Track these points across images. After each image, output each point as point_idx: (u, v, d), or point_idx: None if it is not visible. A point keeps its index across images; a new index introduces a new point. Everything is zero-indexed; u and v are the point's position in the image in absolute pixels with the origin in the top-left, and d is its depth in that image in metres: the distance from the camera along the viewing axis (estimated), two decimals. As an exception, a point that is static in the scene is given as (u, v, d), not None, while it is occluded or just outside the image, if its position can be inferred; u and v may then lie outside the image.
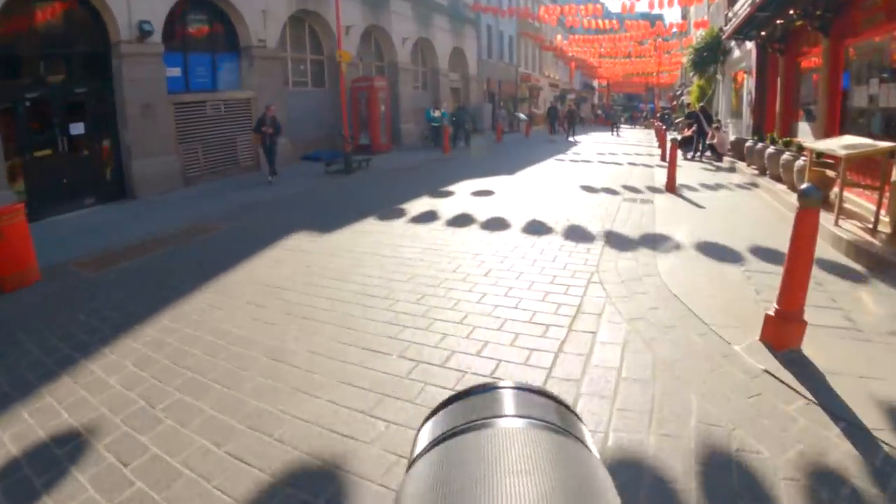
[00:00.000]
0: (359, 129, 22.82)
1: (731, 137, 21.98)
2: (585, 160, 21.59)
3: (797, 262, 4.80)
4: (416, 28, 28.59)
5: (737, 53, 24.69)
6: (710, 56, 28.34)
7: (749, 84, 21.92)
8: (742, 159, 18.85)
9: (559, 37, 49.64)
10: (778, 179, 13.80)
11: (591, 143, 32.35)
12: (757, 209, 11.57)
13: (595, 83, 79.48)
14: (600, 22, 35.34)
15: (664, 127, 29.56)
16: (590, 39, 43.06)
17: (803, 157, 11.36)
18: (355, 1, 23.11)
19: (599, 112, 67.22)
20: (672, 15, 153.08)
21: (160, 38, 14.72)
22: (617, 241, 8.60)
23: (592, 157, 23.19)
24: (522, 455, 0.50)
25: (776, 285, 5.02)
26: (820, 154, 10.55)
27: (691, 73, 34.84)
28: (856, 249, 7.97)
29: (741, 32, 18.36)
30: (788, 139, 14.02)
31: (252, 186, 14.75)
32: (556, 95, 58.25)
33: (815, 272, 6.71)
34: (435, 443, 0.55)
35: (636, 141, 35.78)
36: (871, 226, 8.89)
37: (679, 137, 21.81)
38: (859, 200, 10.08)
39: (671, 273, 6.88)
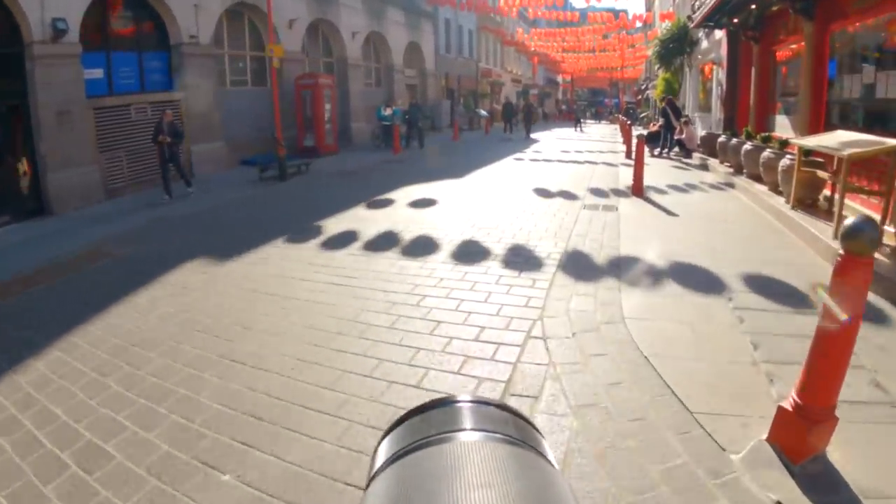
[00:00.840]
0: (303, 130, 20.95)
1: (701, 132, 20.51)
2: (545, 159, 19.98)
3: (836, 342, 3.15)
4: (368, 22, 26.77)
5: (705, 44, 23.27)
6: (676, 48, 27.05)
7: (719, 75, 20.44)
8: (713, 155, 17.41)
9: (520, 30, 48.07)
10: (756, 179, 12.31)
11: (552, 140, 30.78)
12: (737, 216, 10.07)
13: (559, 78, 78.38)
14: (562, 14, 33.85)
15: (629, 122, 28.06)
16: (552, 33, 41.82)
17: (789, 156, 9.83)
18: None
19: (563, 107, 66.36)
20: (637, 7, 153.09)
21: (77, 38, 12.86)
22: (572, 265, 6.95)
23: (553, 155, 21.61)
24: (481, 468, 0.50)
25: (777, 330, 4.42)
26: (808, 152, 9.05)
27: (657, 67, 33.54)
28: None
29: (711, 20, 16.85)
30: (767, 134, 12.53)
31: (175, 199, 12.73)
32: (519, 91, 56.76)
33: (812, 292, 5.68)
34: (392, 459, 0.55)
35: (600, 137, 34.36)
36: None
37: (645, 133, 20.43)
38: (853, 205, 8.57)
39: (640, 317, 5.20)
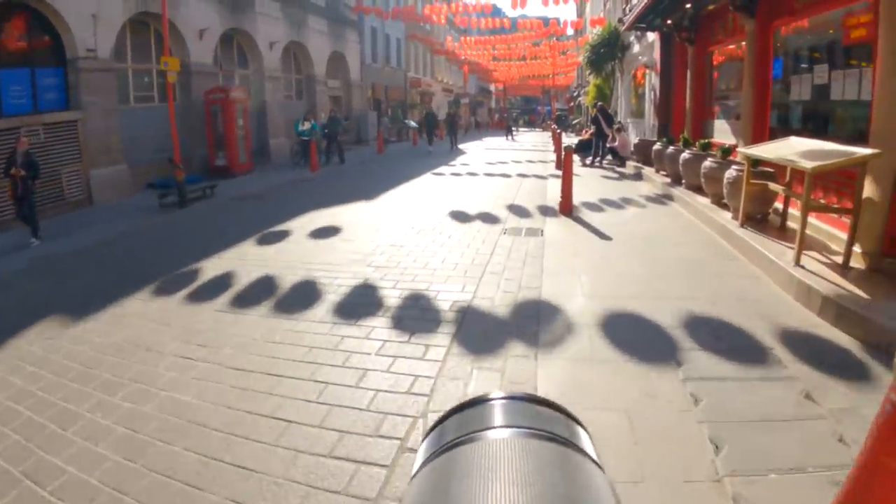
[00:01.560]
0: (215, 149, 19.12)
1: (635, 139, 19.54)
2: (470, 173, 18.61)
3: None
4: (287, 31, 25.08)
5: (637, 48, 22.42)
6: (607, 52, 26.36)
7: (652, 80, 19.52)
8: (648, 163, 16.46)
9: (450, 39, 46.99)
10: (697, 190, 11.27)
11: (481, 150, 29.49)
12: (679, 236, 8.85)
13: (492, 87, 77.64)
14: (491, 21, 32.82)
15: (559, 130, 27.08)
16: (483, 41, 40.74)
17: (735, 167, 8.70)
18: (210, 1, 19.55)
19: (496, 116, 65.92)
20: (569, 14, 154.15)
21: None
22: (479, 320, 5.54)
23: (479, 168, 20.28)
24: (509, 465, 0.51)
25: (744, 412, 3.57)
26: (756, 162, 7.92)
27: (588, 73, 32.82)
28: (837, 310, 5.25)
29: (643, 21, 15.88)
30: (707, 141, 11.51)
31: (51, 237, 10.39)
32: (450, 101, 55.73)
33: (785, 356, 4.53)
34: (428, 460, 0.57)
35: (531, 145, 33.43)
36: (838, 259, 6.50)
37: (575, 143, 19.42)
38: (814, 222, 7.48)
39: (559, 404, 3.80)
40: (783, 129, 9.80)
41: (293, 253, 8.44)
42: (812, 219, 8.22)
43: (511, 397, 0.62)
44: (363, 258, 7.91)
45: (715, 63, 13.98)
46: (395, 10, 33.89)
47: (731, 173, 8.63)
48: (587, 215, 10.37)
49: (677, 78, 16.71)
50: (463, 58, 48.49)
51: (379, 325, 5.48)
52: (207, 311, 6.12)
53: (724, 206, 9.49)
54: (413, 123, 37.80)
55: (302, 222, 10.53)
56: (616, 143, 19.15)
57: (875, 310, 5.05)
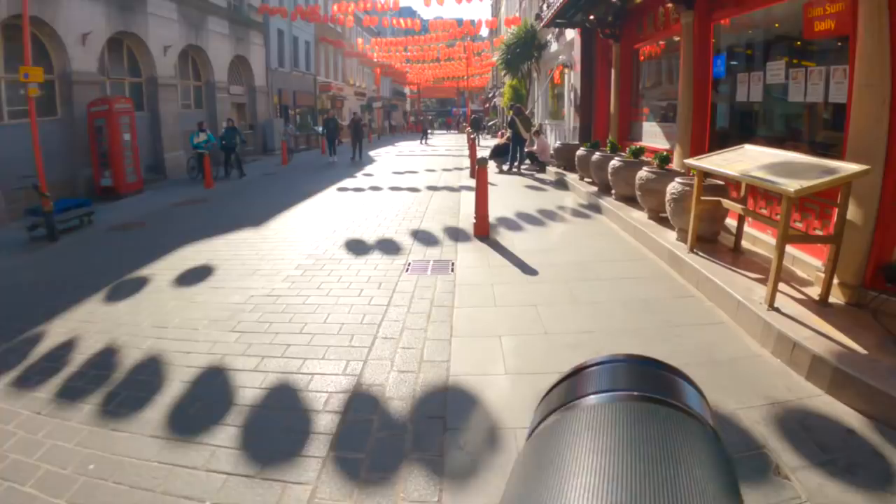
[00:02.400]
0: (100, 167, 16.96)
1: (555, 143, 18.43)
2: (375, 187, 16.71)
3: None
4: (184, 34, 22.82)
5: (555, 46, 21.42)
6: (523, 52, 25.40)
7: (572, 80, 18.47)
8: (571, 168, 15.37)
9: (360, 41, 45.36)
10: (629, 201, 10.18)
11: (391, 158, 27.57)
12: (619, 266, 7.44)
13: (406, 89, 76.20)
14: (401, 21, 31.42)
15: (473, 135, 25.91)
16: (394, 42, 39.34)
17: (679, 180, 7.49)
18: (95, 1, 17.34)
19: (412, 119, 64.85)
20: (484, 14, 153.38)
21: None
22: (360, 435, 3.84)
23: (386, 180, 18.39)
24: (599, 432, 0.50)
25: None
26: (705, 173, 6.78)
27: (503, 74, 31.83)
28: (832, 375, 4.16)
29: (563, 17, 14.72)
30: (638, 147, 10.40)
31: None
32: (363, 104, 54.08)
33: (784, 457, 3.34)
34: (530, 433, 0.57)
35: (446, 150, 32.01)
36: (810, 291, 5.65)
37: (490, 148, 18.22)
38: (792, 252, 6.39)
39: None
40: (728, 135, 8.78)
41: (148, 311, 6.55)
42: (764, 235, 7.20)
43: (609, 361, 0.60)
44: (229, 317, 6.13)
45: (643, 60, 12.95)
46: (299, 8, 32.01)
47: (675, 187, 7.39)
48: (506, 238, 8.96)
49: (600, 77, 15.68)
50: (375, 60, 46.93)
51: (223, 444, 3.80)
52: (22, 408, 4.47)
53: (664, 222, 8.36)
54: (322, 130, 36.12)
55: (173, 261, 8.67)
56: (535, 147, 17.99)
57: (878, 372, 3.92)
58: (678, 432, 0.49)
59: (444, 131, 59.30)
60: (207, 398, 4.44)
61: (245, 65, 29.45)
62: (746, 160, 6.11)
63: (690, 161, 6.69)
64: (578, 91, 17.08)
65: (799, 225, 6.44)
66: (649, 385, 0.55)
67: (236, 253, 9.01)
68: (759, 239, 7.37)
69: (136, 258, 8.82)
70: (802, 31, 6.78)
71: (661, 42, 11.58)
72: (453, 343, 5.14)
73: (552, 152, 17.89)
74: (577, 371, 0.60)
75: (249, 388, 4.55)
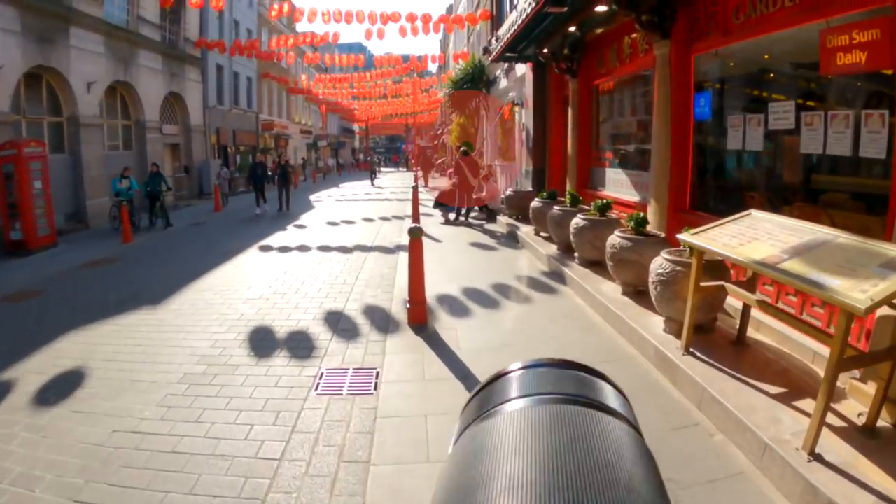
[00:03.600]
0: (9, 219, 14.80)
1: (507, 189, 16.85)
2: (303, 245, 14.19)
3: None
4: (111, 69, 20.78)
5: (504, 82, 20.05)
6: (471, 88, 24.03)
7: (523, 118, 16.99)
8: (524, 219, 13.82)
9: (304, 77, 43.74)
10: (596, 267, 8.60)
11: (332, 203, 25.39)
12: (607, 369, 5.57)
13: (355, 126, 74.72)
14: (343, 58, 29.87)
15: (415, 184, 24.20)
16: (340, 79, 37.82)
17: (667, 255, 5.86)
18: (8, 32, 15.38)
19: (360, 157, 63.61)
20: (432, 49, 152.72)
21: None
22: None
23: (318, 235, 15.97)
24: (516, 436, 0.53)
25: None
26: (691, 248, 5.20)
27: (450, 111, 30.50)
28: None
29: (514, 50, 13.25)
30: (605, 202, 8.76)
31: None
32: (309, 143, 52.40)
33: None
34: (456, 440, 0.60)
35: (391, 192, 30.20)
36: (853, 414, 4.15)
37: (434, 200, 16.71)
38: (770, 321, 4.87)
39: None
40: (715, 188, 7.32)
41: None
42: (772, 320, 5.65)
43: (529, 366, 0.63)
44: (80, 470, 4.18)
45: (605, 97, 11.50)
46: (238, 42, 30.19)
47: (662, 265, 5.71)
48: (448, 327, 7.12)
49: (555, 116, 14.24)
50: (321, 97, 45.29)
51: None
52: None
53: (643, 298, 6.78)
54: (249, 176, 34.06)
55: (44, 361, 6.46)
56: (484, 194, 16.43)
57: None
58: (596, 429, 0.50)
59: (393, 168, 57.68)
60: None
61: (180, 102, 27.42)
62: (763, 237, 4.54)
63: (687, 238, 5.06)
64: (531, 131, 15.58)
65: (817, 314, 4.89)
66: (569, 387, 0.58)
67: (120, 349, 6.89)
68: (763, 323, 5.82)
69: (5, 353, 6.80)
70: (820, 65, 5.31)
71: (627, 77, 10.13)
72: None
73: (502, 199, 16.37)
74: (498, 377, 0.63)
75: None
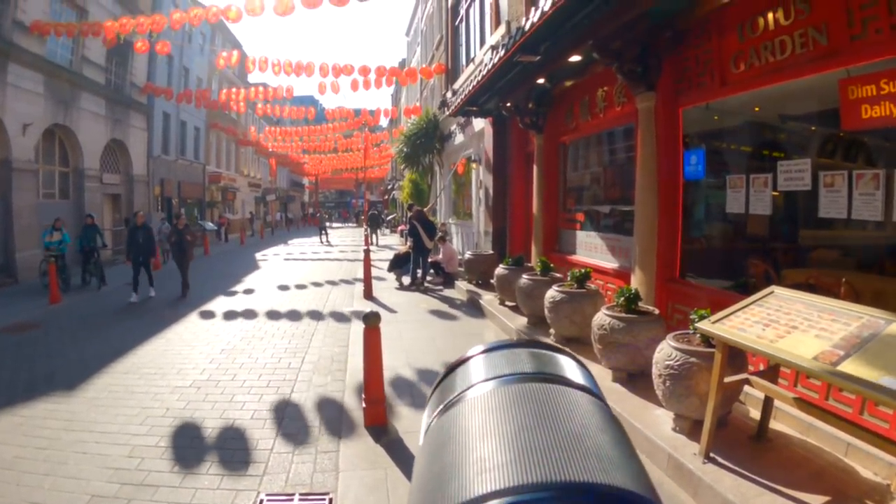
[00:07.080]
0: None
1: (465, 252, 15.89)
2: (248, 312, 12.38)
3: None
4: (51, 110, 19.58)
5: (460, 138, 19.33)
6: (424, 144, 23.38)
7: (481, 176, 16.20)
8: (485, 284, 13.04)
9: (253, 129, 42.77)
10: (573, 344, 7.68)
11: (279, 263, 23.53)
12: None
13: (304, 180, 73.74)
14: (296, 111, 29.02)
15: (369, 233, 23.01)
16: (290, 132, 36.95)
17: (675, 344, 4.92)
18: None
19: (310, 211, 62.75)
20: (384, 103, 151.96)
21: None
22: None
23: (263, 301, 13.95)
24: (484, 419, 0.54)
25: None
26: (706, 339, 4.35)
27: (402, 167, 29.76)
28: None
29: (474, 104, 12.51)
30: (584, 272, 7.87)
31: None
32: (257, 196, 51.22)
33: None
34: (426, 429, 0.63)
35: (340, 251, 28.77)
36: None
37: (388, 263, 15.80)
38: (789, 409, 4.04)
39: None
40: (714, 257, 6.55)
41: None
42: (792, 409, 4.80)
43: (493, 348, 0.64)
44: None
45: (574, 154, 10.78)
46: (188, 91, 29.09)
47: (673, 356, 4.75)
48: (413, 431, 5.69)
49: (516, 174, 13.50)
50: (271, 150, 44.26)
51: None
52: None
53: (637, 385, 5.91)
54: (211, 225, 32.60)
55: None
56: (440, 257, 15.47)
57: None
58: (560, 403, 0.50)
59: (342, 224, 56.49)
60: None
61: (123, 150, 26.14)
62: (802, 325, 3.70)
63: (712, 330, 4.13)
64: (490, 190, 14.74)
65: (883, 414, 4.06)
66: (528, 365, 0.59)
67: (23, 452, 5.37)
68: (781, 411, 4.96)
69: None
70: (841, 119, 4.59)
71: (601, 133, 9.42)
72: None
73: (459, 263, 15.48)
74: (459, 364, 0.65)
75: None
